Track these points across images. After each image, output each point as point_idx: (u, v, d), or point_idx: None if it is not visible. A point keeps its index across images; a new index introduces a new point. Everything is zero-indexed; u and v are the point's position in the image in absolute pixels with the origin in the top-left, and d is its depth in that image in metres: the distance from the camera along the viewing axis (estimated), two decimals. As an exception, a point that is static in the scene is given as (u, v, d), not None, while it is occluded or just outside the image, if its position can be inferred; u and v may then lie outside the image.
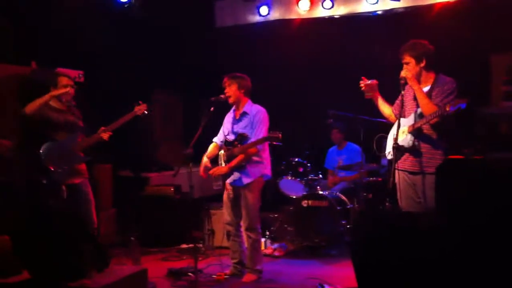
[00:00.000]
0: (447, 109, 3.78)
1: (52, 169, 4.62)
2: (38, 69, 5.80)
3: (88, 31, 6.26)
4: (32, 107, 4.63)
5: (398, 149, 4.14)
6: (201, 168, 4.92)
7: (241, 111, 4.89)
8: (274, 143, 4.48)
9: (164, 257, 5.84)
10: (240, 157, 4.75)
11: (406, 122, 4.17)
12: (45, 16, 5.92)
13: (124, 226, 6.36)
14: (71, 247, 3.63)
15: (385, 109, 4.40)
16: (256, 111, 4.85)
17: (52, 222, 3.86)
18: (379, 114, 5.69)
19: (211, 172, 4.86)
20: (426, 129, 4.06)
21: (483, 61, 6.43)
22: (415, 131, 4.07)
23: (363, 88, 4.33)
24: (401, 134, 4.14)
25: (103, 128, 4.88)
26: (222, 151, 4.97)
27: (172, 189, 6.47)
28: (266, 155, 4.90)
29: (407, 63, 4.15)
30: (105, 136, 4.87)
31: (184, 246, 6.11)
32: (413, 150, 4.09)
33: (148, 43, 7.24)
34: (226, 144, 4.92)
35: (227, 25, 7.78)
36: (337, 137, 6.89)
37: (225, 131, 5.01)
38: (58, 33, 6.00)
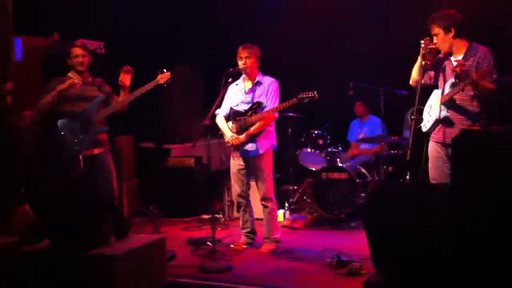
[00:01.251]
0: (475, 77, 3.73)
1: (70, 141, 4.66)
2: (59, 41, 5.84)
3: (111, 2, 6.28)
4: (45, 105, 4.67)
5: (418, 121, 4.14)
6: (232, 141, 4.83)
7: (253, 81, 4.89)
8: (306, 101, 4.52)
9: (185, 227, 5.93)
10: (260, 124, 4.76)
11: (440, 93, 4.12)
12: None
13: (146, 197, 6.46)
14: (91, 216, 3.71)
15: (417, 75, 4.21)
16: (270, 81, 4.89)
17: (71, 192, 3.95)
18: (400, 85, 5.65)
19: (231, 142, 4.82)
20: (459, 99, 3.99)
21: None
22: (448, 102, 4.01)
23: (424, 49, 4.08)
24: (434, 105, 4.11)
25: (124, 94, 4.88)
26: (230, 123, 4.94)
27: (193, 160, 6.53)
28: (273, 125, 4.96)
29: (436, 35, 4.08)
30: (125, 103, 4.86)
31: (204, 216, 6.19)
32: (446, 121, 4.05)
33: (169, 17, 7.24)
34: (235, 115, 4.89)
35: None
36: (360, 109, 6.85)
37: (232, 102, 4.95)
38: (82, 4, 6.04)
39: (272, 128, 4.93)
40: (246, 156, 4.87)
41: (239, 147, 4.85)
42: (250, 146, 4.82)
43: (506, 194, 2.65)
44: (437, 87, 4.24)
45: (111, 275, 3.41)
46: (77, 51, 4.80)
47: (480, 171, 2.76)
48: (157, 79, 4.93)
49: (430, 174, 4.21)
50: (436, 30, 4.07)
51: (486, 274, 2.62)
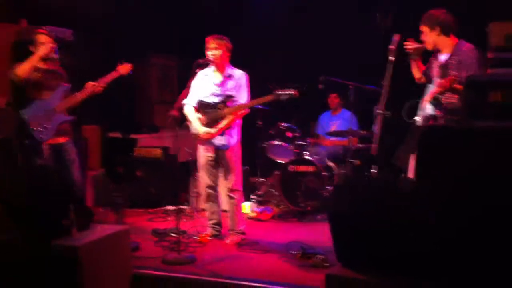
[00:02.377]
0: (447, 84, 3.84)
1: (34, 128, 4.58)
2: (25, 28, 5.70)
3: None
4: (24, 70, 4.56)
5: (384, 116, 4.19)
6: (203, 135, 4.79)
7: (224, 73, 4.84)
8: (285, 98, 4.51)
9: (150, 218, 5.87)
10: (233, 118, 4.74)
11: (429, 90, 4.22)
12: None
13: (111, 187, 6.37)
14: (53, 205, 3.64)
15: (416, 73, 4.41)
16: (241, 74, 4.85)
17: (34, 180, 3.87)
18: (369, 80, 5.68)
19: (205, 137, 4.78)
20: (444, 98, 4.06)
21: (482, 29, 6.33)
22: (434, 100, 4.10)
23: (409, 50, 4.26)
24: (425, 101, 4.21)
25: (91, 83, 4.82)
26: (199, 115, 4.87)
27: (160, 151, 6.46)
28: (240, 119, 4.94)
29: (422, 33, 4.19)
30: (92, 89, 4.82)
31: (170, 207, 6.13)
32: (433, 119, 4.13)
33: (144, 5, 7.14)
34: (204, 106, 4.84)
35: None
36: (334, 101, 6.85)
37: (201, 94, 4.86)
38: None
39: (240, 121, 4.90)
40: (217, 149, 4.83)
41: (210, 139, 4.81)
42: (220, 139, 4.79)
43: (467, 189, 2.69)
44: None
45: (74, 265, 3.36)
46: (43, 38, 4.70)
47: (442, 167, 2.80)
48: (116, 69, 4.93)
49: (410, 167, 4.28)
50: (423, 28, 4.19)
51: (449, 266, 2.66)
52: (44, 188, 3.78)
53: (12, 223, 3.62)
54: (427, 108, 4.16)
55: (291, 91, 4.57)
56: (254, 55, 6.41)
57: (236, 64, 4.93)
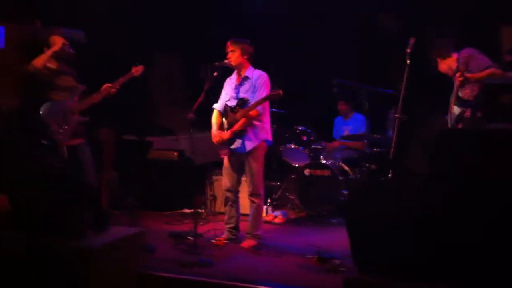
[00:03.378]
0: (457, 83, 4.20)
1: (54, 129, 4.63)
2: (39, 28, 5.75)
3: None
4: (39, 61, 4.65)
5: (402, 120, 4.24)
6: (215, 139, 4.86)
7: (242, 76, 4.85)
8: (274, 96, 4.56)
9: (167, 220, 5.89)
10: (242, 121, 4.73)
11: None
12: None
13: (127, 189, 6.40)
14: (69, 207, 3.66)
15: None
16: (258, 75, 4.83)
17: (51, 182, 3.89)
18: (383, 84, 5.68)
19: (214, 140, 4.83)
20: (464, 93, 4.33)
21: (494, 32, 6.32)
22: (457, 101, 4.36)
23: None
24: (451, 105, 4.49)
25: (107, 85, 4.88)
26: (224, 119, 4.93)
27: (175, 154, 6.49)
28: (266, 119, 4.89)
29: (437, 64, 4.59)
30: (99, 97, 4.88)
31: (186, 210, 6.15)
32: (460, 118, 4.33)
33: (150, 6, 7.17)
34: (227, 110, 4.89)
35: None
36: (343, 108, 6.85)
37: (226, 97, 4.95)
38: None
39: (260, 123, 4.82)
40: (235, 152, 4.84)
41: (227, 143, 4.82)
42: (237, 143, 4.80)
43: (480, 190, 2.68)
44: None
45: (88, 267, 3.37)
46: (57, 39, 4.75)
47: (456, 168, 2.79)
48: (131, 72, 4.99)
49: None
50: (438, 60, 4.58)
51: (466, 269, 2.64)
52: (62, 190, 3.80)
53: (24, 222, 3.63)
54: (455, 110, 4.35)
55: (275, 92, 4.59)
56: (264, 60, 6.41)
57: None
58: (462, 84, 4.25)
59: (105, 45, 6.32)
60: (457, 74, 4.21)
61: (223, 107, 4.97)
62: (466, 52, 4.37)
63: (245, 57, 4.81)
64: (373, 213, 3.00)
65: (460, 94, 4.35)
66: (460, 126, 4.39)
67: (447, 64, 4.53)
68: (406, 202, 2.96)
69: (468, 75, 4.18)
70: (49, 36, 4.78)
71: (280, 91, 4.53)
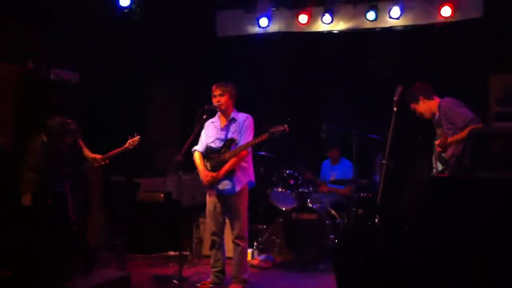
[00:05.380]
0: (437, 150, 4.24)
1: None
2: (33, 69, 5.79)
3: (87, 33, 6.27)
4: None
5: (388, 166, 4.28)
6: (205, 178, 4.82)
7: (229, 118, 4.90)
8: (279, 130, 4.58)
9: (151, 263, 5.83)
10: (233, 161, 4.75)
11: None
12: (45, 16, 5.93)
13: (113, 230, 6.33)
14: (56, 249, 3.63)
15: None
16: (245, 117, 4.91)
17: (38, 223, 3.86)
18: (372, 129, 5.77)
19: (206, 180, 4.79)
20: (445, 154, 4.32)
21: (482, 81, 6.46)
22: (439, 157, 4.38)
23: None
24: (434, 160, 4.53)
25: (97, 157, 5.04)
26: (206, 161, 4.92)
27: (162, 195, 6.46)
28: (250, 161, 4.95)
29: (414, 110, 4.59)
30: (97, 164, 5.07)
31: (171, 253, 6.09)
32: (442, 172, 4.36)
33: (148, 49, 7.28)
34: (210, 152, 4.89)
35: (228, 35, 7.80)
36: (334, 154, 6.89)
37: (208, 139, 4.93)
38: (57, 34, 6.01)
39: (247, 164, 4.90)
40: (222, 194, 4.83)
41: (214, 185, 4.81)
42: (226, 184, 4.79)
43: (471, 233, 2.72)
44: None
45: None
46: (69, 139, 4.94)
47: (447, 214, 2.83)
48: (127, 143, 5.14)
49: None
50: (412, 106, 4.60)
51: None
52: (47, 231, 3.77)
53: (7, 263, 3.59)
54: (438, 165, 4.40)
55: (281, 127, 4.61)
56: (255, 103, 6.52)
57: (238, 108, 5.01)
58: (443, 151, 4.28)
59: (103, 87, 6.37)
60: (437, 143, 4.24)
61: (204, 149, 4.95)
62: (445, 104, 4.39)
63: (232, 100, 4.89)
64: (361, 259, 3.00)
65: (443, 155, 4.37)
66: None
67: (428, 105, 4.53)
68: (395, 248, 2.97)
69: (450, 139, 4.19)
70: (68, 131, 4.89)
71: (286, 126, 4.57)
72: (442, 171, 4.29)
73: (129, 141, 5.12)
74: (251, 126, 4.89)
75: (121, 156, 6.78)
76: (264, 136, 4.67)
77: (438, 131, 4.48)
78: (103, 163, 5.07)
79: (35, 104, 4.81)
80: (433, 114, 4.52)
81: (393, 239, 3.14)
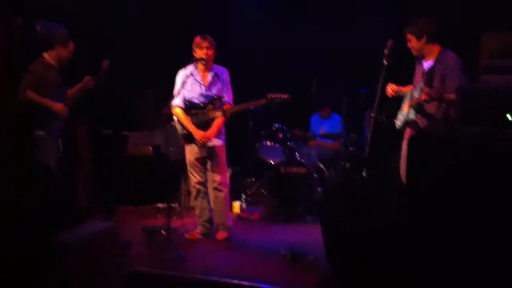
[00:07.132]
0: (422, 97, 3.97)
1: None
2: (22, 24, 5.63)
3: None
4: (31, 98, 4.45)
5: (377, 119, 4.27)
6: (201, 139, 4.76)
7: (211, 73, 4.83)
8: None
9: (140, 215, 5.86)
10: (222, 119, 4.77)
11: (411, 96, 4.28)
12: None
13: (102, 184, 6.35)
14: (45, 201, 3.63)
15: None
16: (223, 71, 4.88)
17: (29, 176, 3.84)
18: (363, 85, 5.74)
19: (201, 140, 4.75)
20: (427, 105, 4.12)
21: (475, 39, 6.39)
22: (416, 105, 4.17)
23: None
24: (406, 107, 4.31)
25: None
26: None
27: (150, 148, 6.46)
28: None
29: (409, 40, 4.31)
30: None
31: (160, 205, 6.13)
32: (413, 124, 4.23)
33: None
34: (191, 107, 4.81)
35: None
36: (326, 112, 6.89)
37: (190, 94, 4.80)
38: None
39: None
40: (210, 146, 4.83)
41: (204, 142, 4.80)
42: (213, 141, 4.80)
43: (459, 193, 2.72)
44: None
45: (64, 262, 3.35)
46: (72, 46, 4.71)
47: (434, 170, 2.83)
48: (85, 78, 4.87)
49: (401, 172, 4.34)
50: (410, 37, 4.30)
51: (441, 272, 2.69)
52: (37, 185, 3.76)
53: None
54: (409, 113, 4.25)
55: (283, 96, 4.59)
56: (245, 59, 6.42)
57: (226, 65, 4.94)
58: (429, 101, 4.05)
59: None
60: (425, 91, 4.00)
61: (183, 104, 4.84)
62: (453, 61, 4.15)
63: (215, 54, 4.82)
64: (348, 213, 3.03)
65: (423, 102, 4.13)
66: (408, 130, 4.33)
67: (427, 48, 4.28)
68: (380, 201, 3.00)
69: (447, 95, 3.97)
70: (68, 41, 4.68)
71: (288, 95, 4.59)
72: (414, 122, 4.23)
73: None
74: (229, 81, 4.88)
75: (107, 110, 6.73)
76: (260, 102, 4.65)
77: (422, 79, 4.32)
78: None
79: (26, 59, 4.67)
80: (422, 57, 4.34)
81: (380, 196, 3.17)
